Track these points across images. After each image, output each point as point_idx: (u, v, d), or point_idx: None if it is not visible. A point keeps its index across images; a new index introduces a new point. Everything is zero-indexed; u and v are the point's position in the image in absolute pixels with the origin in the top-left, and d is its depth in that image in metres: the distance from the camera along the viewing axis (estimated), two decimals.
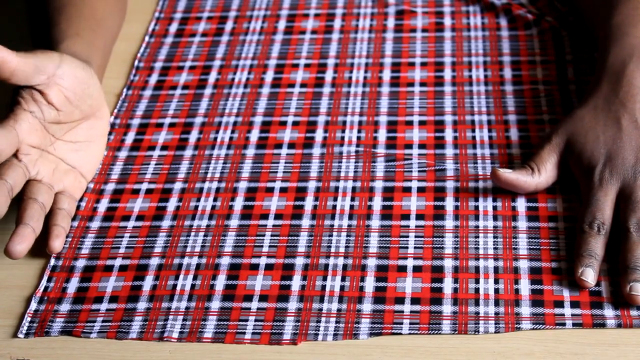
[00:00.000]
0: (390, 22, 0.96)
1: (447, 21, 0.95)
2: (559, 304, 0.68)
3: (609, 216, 0.71)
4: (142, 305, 0.71)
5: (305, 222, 0.75)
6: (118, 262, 0.74)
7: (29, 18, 0.90)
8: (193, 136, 0.85)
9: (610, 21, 0.81)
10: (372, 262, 0.72)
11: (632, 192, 0.71)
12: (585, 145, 0.74)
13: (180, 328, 0.69)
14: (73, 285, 0.73)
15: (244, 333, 0.68)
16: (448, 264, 0.71)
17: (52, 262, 0.75)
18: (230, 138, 0.84)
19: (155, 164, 0.82)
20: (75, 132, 0.79)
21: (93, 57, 0.83)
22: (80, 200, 0.79)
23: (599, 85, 0.77)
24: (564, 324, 0.66)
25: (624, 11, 0.81)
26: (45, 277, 0.73)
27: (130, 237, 0.76)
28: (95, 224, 0.78)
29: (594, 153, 0.74)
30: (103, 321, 0.70)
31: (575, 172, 0.75)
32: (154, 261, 0.74)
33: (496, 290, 0.69)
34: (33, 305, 0.71)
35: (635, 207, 0.70)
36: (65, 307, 0.71)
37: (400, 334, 0.67)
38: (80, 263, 0.74)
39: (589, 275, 0.69)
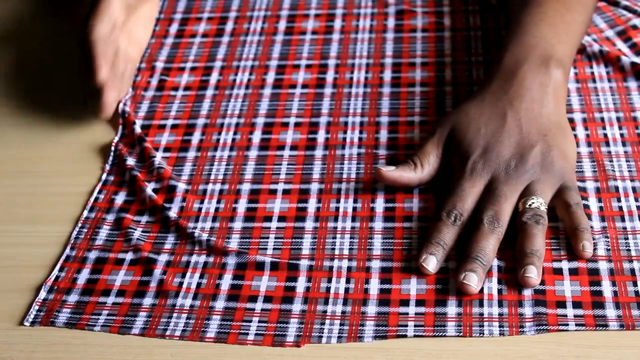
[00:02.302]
0: (391, 22, 0.96)
1: (447, 21, 0.95)
2: (562, 304, 0.68)
3: (469, 208, 0.72)
4: (147, 300, 0.71)
5: (309, 224, 0.76)
6: (129, 256, 0.74)
7: None
8: (196, 138, 0.85)
9: (516, 18, 0.83)
10: (376, 264, 0.72)
11: (497, 187, 0.72)
12: (465, 135, 0.76)
13: (184, 326, 0.69)
14: (83, 277, 0.73)
15: (247, 334, 0.68)
16: (452, 265, 0.71)
17: (67, 252, 0.75)
18: (233, 140, 0.84)
19: (161, 160, 0.82)
20: (137, 12, 0.89)
21: None
22: (99, 192, 0.81)
23: (490, 81, 0.79)
24: (566, 325, 0.67)
25: (531, 10, 0.82)
26: (58, 267, 0.74)
27: (142, 231, 0.76)
28: (111, 216, 0.78)
29: (471, 143, 0.75)
30: (108, 315, 0.70)
31: (453, 162, 0.76)
32: (163, 257, 0.74)
33: (499, 291, 0.69)
34: (42, 294, 0.72)
35: (495, 200, 0.72)
36: (73, 297, 0.72)
37: (405, 336, 0.67)
38: (93, 255, 0.75)
39: (430, 263, 0.70)
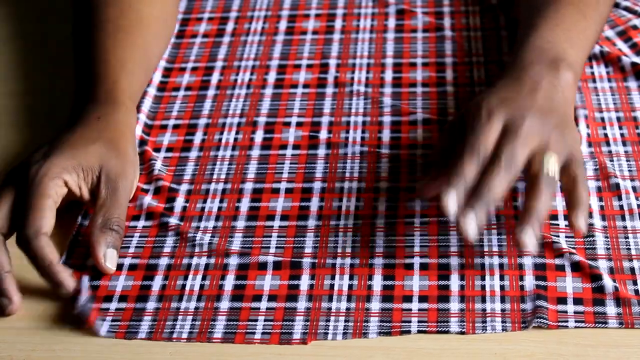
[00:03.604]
0: (391, 22, 0.96)
1: (447, 21, 0.96)
2: (562, 300, 0.68)
3: (491, 145, 0.70)
4: (151, 305, 0.71)
5: (312, 222, 0.76)
6: (127, 262, 0.75)
7: (75, 32, 0.89)
8: (198, 137, 0.85)
9: (530, 22, 0.82)
10: (379, 261, 0.72)
11: (518, 126, 0.70)
12: (478, 96, 0.74)
13: (190, 328, 0.69)
14: (83, 285, 0.73)
15: (254, 333, 0.68)
16: (454, 261, 0.72)
17: (63, 259, 0.75)
18: (235, 139, 0.84)
19: (162, 165, 0.83)
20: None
21: (136, 98, 0.84)
22: None
23: (500, 78, 0.77)
24: (566, 321, 0.67)
25: (546, 15, 0.81)
26: None
27: (140, 236, 0.77)
28: None
29: (485, 98, 0.73)
30: (112, 320, 0.70)
31: (466, 130, 0.73)
32: (163, 261, 0.74)
33: (502, 287, 0.70)
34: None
35: (514, 139, 0.70)
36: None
37: (409, 332, 0.67)
38: (91, 262, 0.74)
39: (451, 200, 0.68)
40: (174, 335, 0.69)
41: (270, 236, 0.75)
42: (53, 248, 0.71)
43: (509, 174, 0.68)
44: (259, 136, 0.84)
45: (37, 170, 0.74)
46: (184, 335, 0.69)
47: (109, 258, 0.72)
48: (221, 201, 0.79)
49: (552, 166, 0.70)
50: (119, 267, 0.74)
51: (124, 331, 0.69)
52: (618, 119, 0.83)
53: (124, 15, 0.87)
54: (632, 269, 0.70)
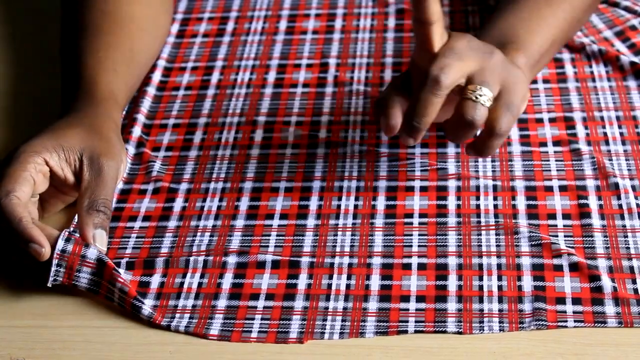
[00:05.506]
0: (391, 22, 0.97)
1: (446, 21, 0.96)
2: (561, 300, 0.68)
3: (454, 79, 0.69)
4: (149, 302, 0.71)
5: (311, 221, 0.76)
6: (125, 261, 0.74)
7: (63, 31, 0.89)
8: (197, 137, 0.85)
9: (491, 16, 0.82)
10: (377, 261, 0.73)
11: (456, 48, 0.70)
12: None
13: (187, 324, 0.69)
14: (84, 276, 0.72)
15: (250, 332, 0.69)
16: (452, 261, 0.72)
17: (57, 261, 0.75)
18: (235, 138, 0.85)
19: (161, 165, 0.83)
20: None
21: (121, 96, 0.83)
22: None
23: None
24: (565, 321, 0.67)
25: (506, 6, 0.81)
26: (55, 262, 0.71)
27: (137, 237, 0.77)
28: None
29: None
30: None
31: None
32: (162, 258, 0.74)
33: (499, 287, 0.70)
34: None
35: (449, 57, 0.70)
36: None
37: (406, 332, 0.67)
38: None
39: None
40: (171, 329, 0.69)
41: (270, 235, 0.76)
42: (24, 209, 0.70)
43: (436, 95, 0.69)
44: (258, 135, 0.85)
45: (16, 149, 0.74)
46: (181, 330, 0.69)
47: (98, 239, 0.72)
48: (220, 200, 0.79)
49: (482, 103, 0.69)
50: (116, 266, 0.74)
51: (131, 299, 0.69)
52: (617, 118, 0.83)
53: (106, 16, 0.86)
54: (632, 268, 0.71)
